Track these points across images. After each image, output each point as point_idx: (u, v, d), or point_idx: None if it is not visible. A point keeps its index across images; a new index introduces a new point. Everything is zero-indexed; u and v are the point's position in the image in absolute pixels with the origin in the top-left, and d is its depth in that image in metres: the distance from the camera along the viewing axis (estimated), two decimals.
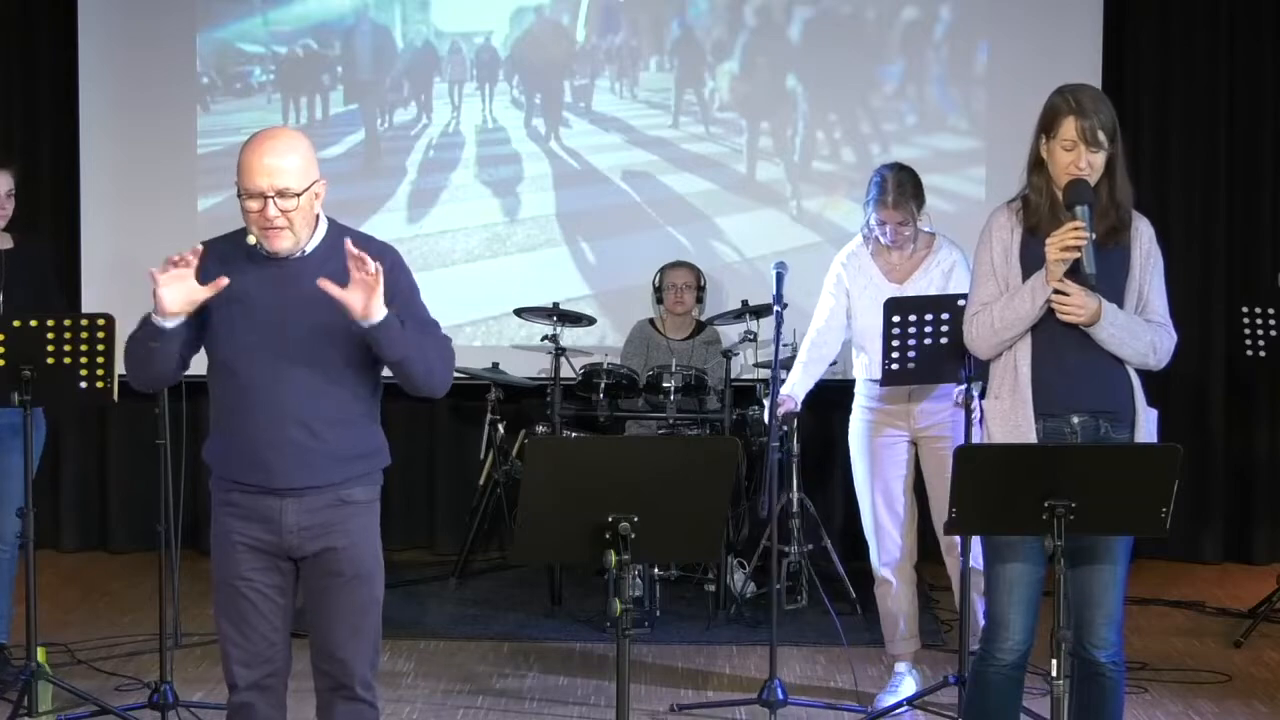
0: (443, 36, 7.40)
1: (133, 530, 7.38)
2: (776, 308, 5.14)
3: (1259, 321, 6.06)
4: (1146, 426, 3.84)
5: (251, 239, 3.49)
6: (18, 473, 4.98)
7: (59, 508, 7.49)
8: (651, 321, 6.98)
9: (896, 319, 4.83)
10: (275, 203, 3.43)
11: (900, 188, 5.09)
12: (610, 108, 7.39)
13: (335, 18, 7.42)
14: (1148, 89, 7.32)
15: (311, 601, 3.64)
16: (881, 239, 5.16)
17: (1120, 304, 3.80)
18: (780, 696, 5.01)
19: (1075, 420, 3.79)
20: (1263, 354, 6.06)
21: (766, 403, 5.12)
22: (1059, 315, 3.74)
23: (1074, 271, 3.71)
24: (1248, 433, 7.41)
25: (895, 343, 4.84)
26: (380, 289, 3.40)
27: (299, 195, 3.45)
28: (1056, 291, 3.72)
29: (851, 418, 5.29)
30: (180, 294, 3.44)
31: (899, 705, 5.10)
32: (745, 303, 6.62)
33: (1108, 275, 3.76)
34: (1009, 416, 3.80)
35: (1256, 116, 7.31)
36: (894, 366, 4.88)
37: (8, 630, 5.35)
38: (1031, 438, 3.75)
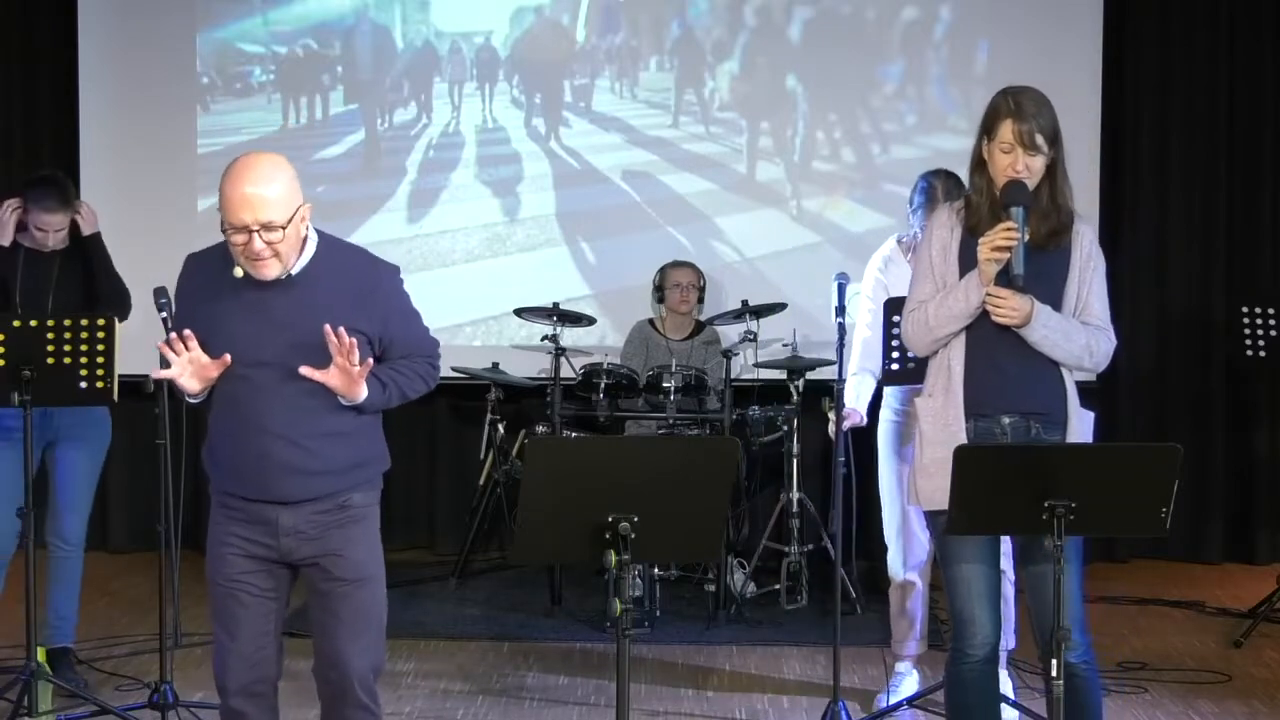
0: (443, 36, 7.40)
1: (133, 530, 7.39)
2: (839, 320, 5.00)
3: (1259, 321, 6.06)
4: (1080, 429, 3.82)
5: (238, 271, 3.48)
6: (84, 473, 5.14)
7: None
8: (651, 321, 6.98)
9: (896, 319, 4.82)
10: (260, 236, 3.40)
11: (949, 195, 5.05)
12: (610, 108, 7.39)
13: (335, 18, 7.43)
14: (1148, 89, 7.32)
15: (313, 607, 3.64)
16: None
17: (1058, 306, 3.79)
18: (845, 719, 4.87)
19: (1006, 421, 3.78)
20: (1263, 354, 6.07)
21: (831, 415, 5.05)
22: (992, 317, 3.74)
23: (1004, 272, 3.71)
24: (1248, 433, 7.41)
25: (895, 343, 4.83)
26: (363, 380, 3.46)
27: (284, 227, 3.41)
28: (989, 293, 3.71)
29: (880, 420, 5.22)
30: (197, 375, 3.49)
31: (899, 705, 5.11)
32: (745, 303, 6.61)
33: (1047, 277, 3.76)
34: (940, 415, 3.80)
35: (1256, 116, 7.31)
36: (894, 366, 4.88)
37: (73, 633, 5.34)
38: (962, 438, 3.74)
